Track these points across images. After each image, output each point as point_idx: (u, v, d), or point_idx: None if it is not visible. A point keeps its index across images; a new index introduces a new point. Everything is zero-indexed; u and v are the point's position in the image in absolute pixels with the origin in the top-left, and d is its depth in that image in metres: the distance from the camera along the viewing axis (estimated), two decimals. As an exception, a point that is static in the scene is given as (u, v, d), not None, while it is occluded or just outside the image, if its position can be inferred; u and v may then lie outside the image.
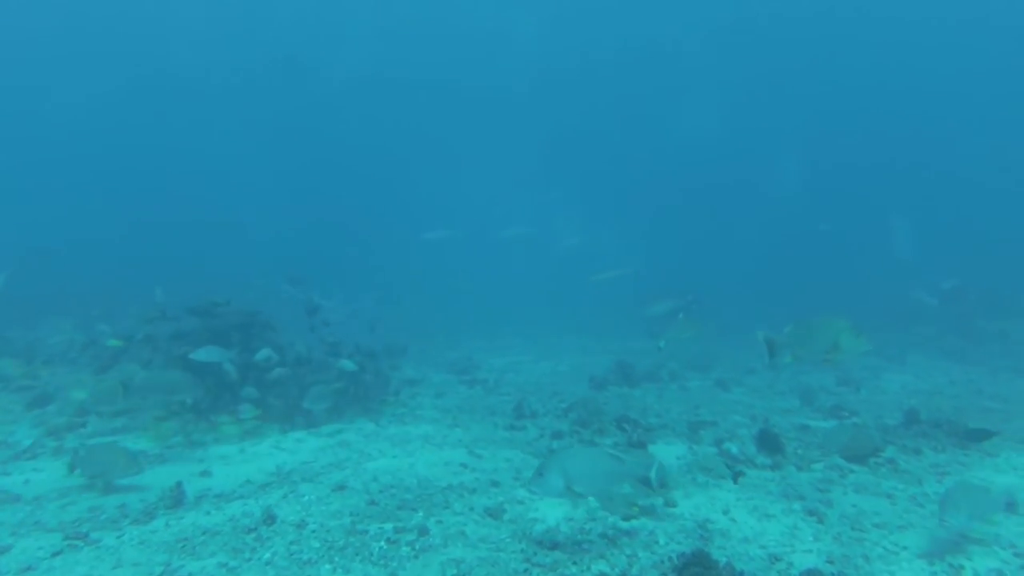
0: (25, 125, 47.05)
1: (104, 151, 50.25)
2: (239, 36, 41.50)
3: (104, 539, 4.75)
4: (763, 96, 45.16)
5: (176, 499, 5.53)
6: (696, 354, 15.90)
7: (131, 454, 6.07)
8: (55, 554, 4.47)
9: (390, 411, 9.79)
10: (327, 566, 4.36)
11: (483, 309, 27.17)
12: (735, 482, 6.34)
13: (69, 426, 8.20)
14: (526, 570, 4.30)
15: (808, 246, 37.54)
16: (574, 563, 4.41)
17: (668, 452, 7.35)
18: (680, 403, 11.01)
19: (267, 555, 4.52)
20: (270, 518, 5.15)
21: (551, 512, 5.38)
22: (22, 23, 38.64)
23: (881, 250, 34.88)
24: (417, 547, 4.68)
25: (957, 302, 18.52)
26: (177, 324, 9.28)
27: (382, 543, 4.73)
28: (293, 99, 47.35)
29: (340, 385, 9.31)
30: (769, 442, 7.41)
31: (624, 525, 5.10)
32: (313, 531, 4.96)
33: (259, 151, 51.42)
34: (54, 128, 47.76)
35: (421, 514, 5.34)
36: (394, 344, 14.45)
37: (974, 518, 4.57)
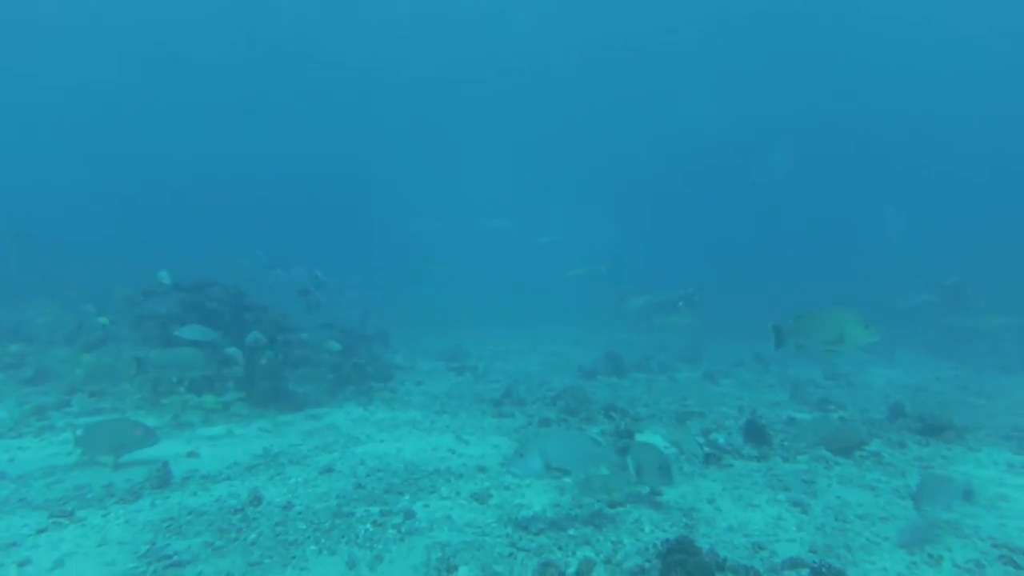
0: (13, 111, 46.62)
1: (95, 138, 50.00)
2: (234, 23, 41.07)
3: (90, 517, 4.74)
4: (759, 91, 45.12)
5: (163, 479, 5.52)
6: (686, 346, 15.99)
7: (147, 427, 6.11)
8: (40, 531, 4.46)
9: (379, 396, 9.80)
10: (312, 547, 4.36)
11: (474, 299, 27.26)
12: (705, 464, 6.53)
13: (58, 405, 8.18)
14: (511, 554, 4.32)
15: (799, 243, 37.81)
16: (559, 548, 4.43)
17: (655, 442, 7.38)
18: (669, 394, 11.06)
19: (253, 536, 4.52)
20: (256, 499, 5.15)
21: (537, 498, 5.40)
22: (13, 13, 38.14)
23: (874, 247, 35.16)
24: (403, 530, 4.69)
25: (957, 299, 18.53)
26: (167, 304, 9.26)
27: (368, 526, 4.74)
28: (287, 89, 47.06)
29: (325, 369, 9.31)
30: (756, 433, 7.46)
31: (610, 512, 5.13)
32: (299, 513, 4.97)
33: (253, 144, 51.30)
34: (42, 113, 47.39)
35: (408, 498, 5.36)
36: (383, 331, 14.46)
37: (943, 508, 4.73)
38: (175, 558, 4.12)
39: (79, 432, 5.90)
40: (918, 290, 17.82)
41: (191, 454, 6.45)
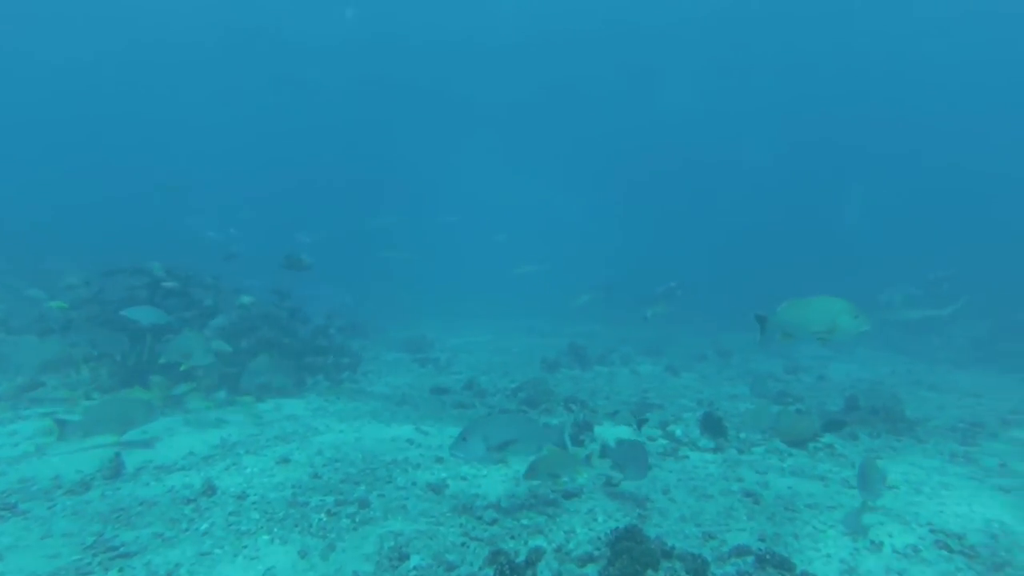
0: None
1: (60, 122, 48.74)
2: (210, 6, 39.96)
3: (34, 510, 4.64)
4: (743, 78, 44.85)
5: (114, 470, 5.42)
6: (650, 340, 16.17)
7: (147, 403, 6.11)
8: (-20, 524, 4.36)
9: (341, 387, 9.75)
10: (265, 536, 4.34)
11: (439, 292, 27.28)
12: (639, 429, 7.28)
13: (9, 394, 7.98)
14: (463, 543, 4.34)
15: (772, 238, 38.21)
16: (512, 537, 4.47)
17: (613, 433, 7.47)
18: (630, 386, 11.19)
19: (205, 526, 4.48)
20: (210, 489, 5.10)
21: (493, 489, 5.43)
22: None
23: (849, 242, 35.73)
24: (357, 519, 4.69)
25: (938, 293, 18.80)
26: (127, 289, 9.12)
27: (322, 515, 4.73)
28: (261, 74, 46.11)
29: (288, 358, 9.23)
30: (712, 426, 7.58)
31: (565, 503, 5.18)
32: (253, 502, 4.93)
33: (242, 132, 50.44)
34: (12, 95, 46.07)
35: (363, 488, 5.34)
36: (350, 322, 14.40)
37: (879, 494, 5.00)
38: (122, 549, 4.07)
39: (75, 417, 5.83)
40: (902, 283, 18.16)
41: (146, 444, 6.34)
